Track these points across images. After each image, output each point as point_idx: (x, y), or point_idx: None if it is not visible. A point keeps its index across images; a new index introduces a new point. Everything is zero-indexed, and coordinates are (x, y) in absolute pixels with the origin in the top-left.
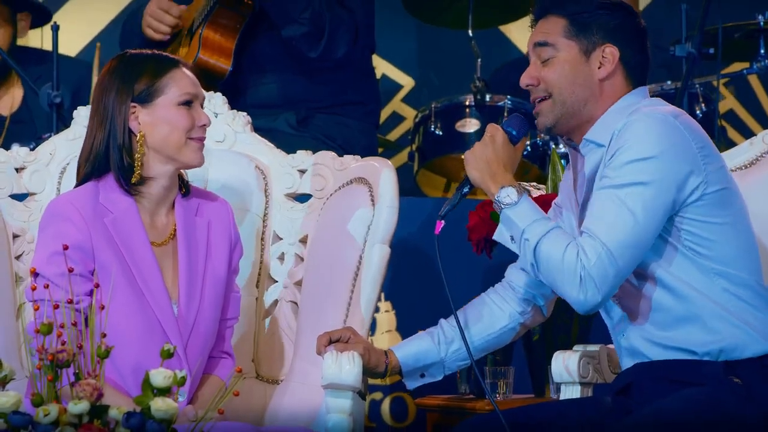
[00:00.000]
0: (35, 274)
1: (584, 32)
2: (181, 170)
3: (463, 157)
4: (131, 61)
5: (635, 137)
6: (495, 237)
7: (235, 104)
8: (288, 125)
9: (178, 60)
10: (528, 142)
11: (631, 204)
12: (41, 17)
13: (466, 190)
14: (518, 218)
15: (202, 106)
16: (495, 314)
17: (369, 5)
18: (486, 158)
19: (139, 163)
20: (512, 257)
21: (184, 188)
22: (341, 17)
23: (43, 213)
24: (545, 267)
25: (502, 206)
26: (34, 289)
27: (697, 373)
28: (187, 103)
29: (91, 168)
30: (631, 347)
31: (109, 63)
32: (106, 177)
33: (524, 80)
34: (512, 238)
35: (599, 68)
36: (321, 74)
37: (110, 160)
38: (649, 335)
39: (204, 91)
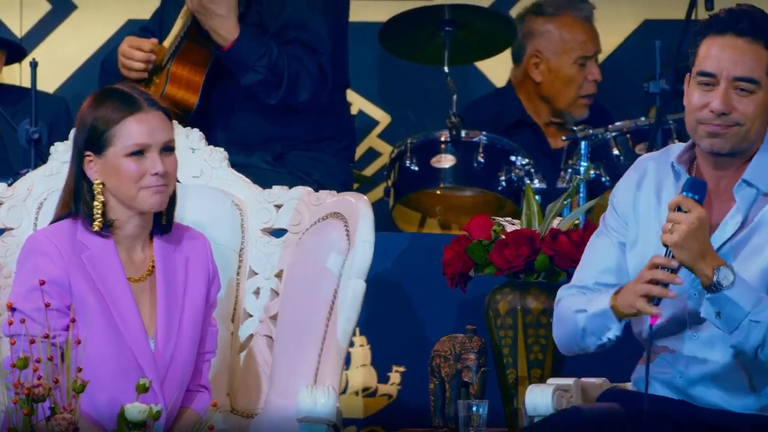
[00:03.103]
0: (12, 308)
1: None
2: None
3: (667, 239)
4: (93, 104)
5: None
6: (703, 314)
7: (210, 142)
8: (264, 161)
9: (139, 103)
10: (503, 178)
11: None
12: (16, 55)
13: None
14: (741, 300)
15: (171, 150)
16: None
17: (341, 43)
18: (698, 240)
19: (99, 212)
20: (485, 291)
21: (165, 222)
22: (302, 63)
23: (21, 248)
24: None
25: (721, 287)
26: (10, 323)
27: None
28: (138, 153)
29: (67, 210)
30: (682, 387)
31: (84, 103)
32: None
33: (720, 107)
34: (718, 314)
35: None
36: (294, 112)
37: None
38: (718, 396)
39: (179, 127)
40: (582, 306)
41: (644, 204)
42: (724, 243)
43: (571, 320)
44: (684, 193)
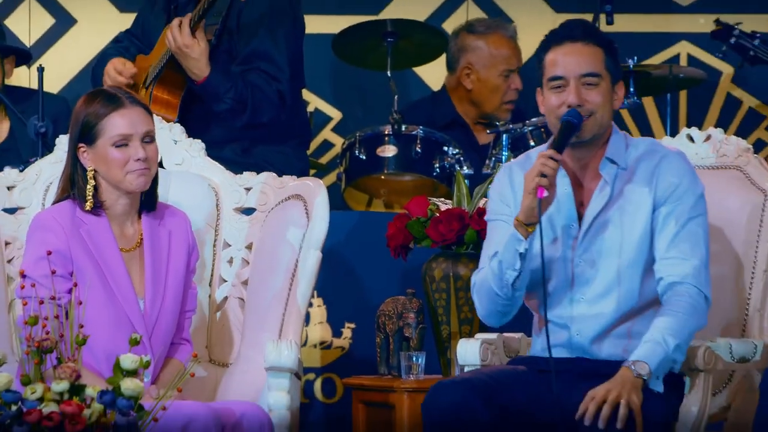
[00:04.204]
0: (23, 275)
1: (614, 67)
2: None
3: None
4: (84, 103)
5: (692, 176)
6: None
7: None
8: (234, 154)
9: (122, 101)
10: (437, 165)
11: (705, 228)
12: (23, 59)
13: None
14: (662, 363)
15: (152, 140)
16: None
17: (299, 60)
18: (619, 389)
19: (90, 195)
20: (422, 261)
21: (144, 199)
22: (264, 92)
23: (29, 224)
24: (694, 330)
25: (650, 373)
26: (23, 287)
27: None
28: (122, 143)
29: (66, 194)
30: (580, 345)
31: (77, 103)
32: None
33: (575, 101)
34: (673, 367)
35: (616, 100)
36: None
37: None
38: (612, 345)
39: (163, 122)
40: (493, 255)
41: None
42: (597, 215)
43: (488, 273)
44: (564, 118)
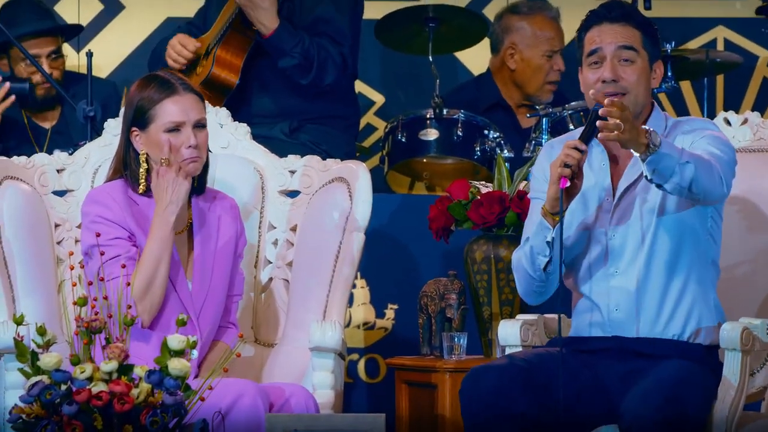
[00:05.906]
0: (86, 253)
1: (652, 47)
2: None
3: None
4: (138, 87)
5: (727, 143)
6: (646, 172)
7: (241, 113)
8: (282, 133)
9: (175, 87)
10: (478, 148)
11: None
12: (71, 34)
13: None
14: (670, 152)
15: (204, 126)
16: None
17: (355, 42)
18: (631, 122)
19: (143, 178)
20: (464, 243)
21: (196, 185)
22: (329, 52)
23: (84, 200)
24: (703, 175)
25: (657, 147)
26: (82, 267)
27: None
28: (175, 129)
29: (118, 175)
30: (619, 322)
31: (131, 87)
32: None
33: (610, 75)
34: (653, 171)
35: (654, 78)
36: (311, 95)
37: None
38: (649, 323)
39: (209, 106)
40: (526, 238)
41: None
42: (628, 188)
43: (522, 255)
44: (596, 107)
